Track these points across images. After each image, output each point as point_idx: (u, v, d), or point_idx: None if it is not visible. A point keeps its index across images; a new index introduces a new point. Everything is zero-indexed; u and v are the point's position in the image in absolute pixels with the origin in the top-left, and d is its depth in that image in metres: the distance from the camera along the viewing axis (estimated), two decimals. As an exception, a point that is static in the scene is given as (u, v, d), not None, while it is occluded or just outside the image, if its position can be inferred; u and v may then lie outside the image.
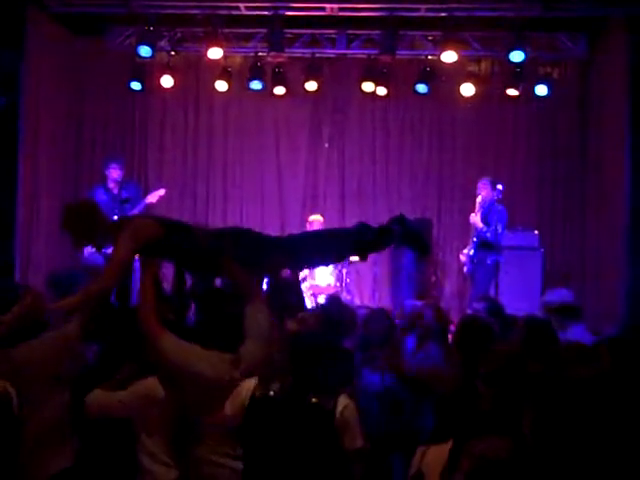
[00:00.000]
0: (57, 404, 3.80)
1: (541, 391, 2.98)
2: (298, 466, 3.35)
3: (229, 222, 10.90)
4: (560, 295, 5.48)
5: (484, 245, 8.78)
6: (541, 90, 10.06)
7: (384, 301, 10.24)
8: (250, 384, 3.53)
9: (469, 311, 6.89)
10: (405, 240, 5.15)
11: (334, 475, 3.41)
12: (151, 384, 3.70)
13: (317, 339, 3.62)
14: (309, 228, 9.79)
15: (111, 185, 9.05)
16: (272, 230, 10.94)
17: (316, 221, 9.79)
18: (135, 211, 8.79)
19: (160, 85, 10.33)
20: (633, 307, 8.45)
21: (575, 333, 5.03)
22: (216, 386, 3.51)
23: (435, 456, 2.93)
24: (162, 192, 9.07)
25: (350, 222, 10.77)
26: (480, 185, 9.06)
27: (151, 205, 9.02)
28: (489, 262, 8.76)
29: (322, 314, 4.59)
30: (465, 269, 9.05)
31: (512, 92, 10.06)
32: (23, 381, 3.32)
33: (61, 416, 3.77)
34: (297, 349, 3.54)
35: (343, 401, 3.50)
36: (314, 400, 3.41)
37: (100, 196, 8.91)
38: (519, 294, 8.73)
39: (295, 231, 10.54)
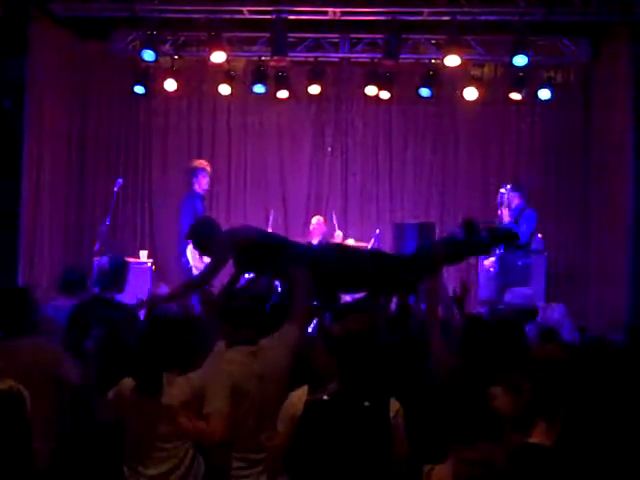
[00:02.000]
0: (50, 404, 3.85)
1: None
2: (355, 469, 3.34)
3: (232, 224, 10.90)
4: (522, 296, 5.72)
5: (515, 248, 8.67)
6: (544, 94, 10.07)
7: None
8: (299, 394, 3.56)
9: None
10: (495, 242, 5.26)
11: (387, 478, 3.41)
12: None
13: (365, 341, 3.56)
14: (313, 232, 9.82)
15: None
16: (274, 231, 10.96)
17: (318, 223, 9.86)
18: None
19: (163, 89, 10.34)
20: (637, 309, 8.44)
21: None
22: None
23: (440, 477, 2.94)
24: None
25: (353, 224, 10.82)
26: (510, 197, 8.97)
27: None
28: (520, 264, 8.76)
29: (367, 316, 4.60)
30: (492, 270, 8.98)
31: (515, 96, 10.07)
32: (30, 379, 3.34)
33: (50, 417, 3.82)
34: (346, 353, 3.49)
35: (395, 405, 3.49)
36: (367, 404, 3.38)
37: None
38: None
39: (298, 234, 10.60)
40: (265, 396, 3.84)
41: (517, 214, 8.87)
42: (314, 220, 10.02)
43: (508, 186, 9.09)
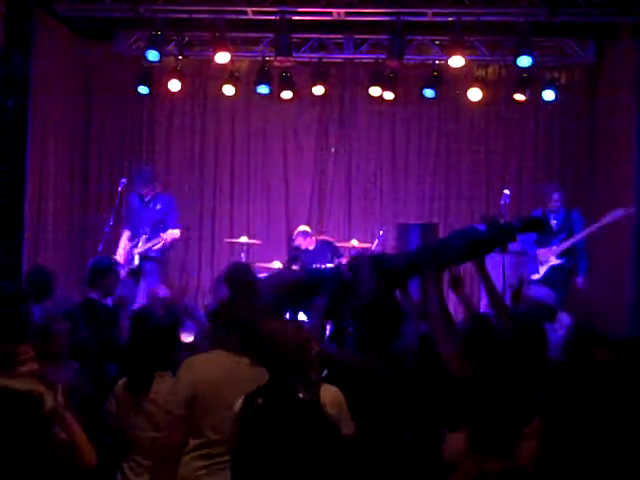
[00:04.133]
0: None
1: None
2: (298, 460, 3.35)
3: (235, 225, 10.94)
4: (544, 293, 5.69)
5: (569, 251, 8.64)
6: (548, 95, 10.04)
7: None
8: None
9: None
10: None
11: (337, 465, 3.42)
12: None
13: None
14: (298, 239, 9.80)
15: (144, 191, 9.10)
16: (277, 233, 10.99)
17: (302, 232, 9.86)
18: (166, 238, 8.82)
19: (167, 89, 10.33)
20: (638, 311, 8.43)
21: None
22: None
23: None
24: (177, 234, 8.97)
25: (357, 225, 10.82)
26: (555, 198, 8.78)
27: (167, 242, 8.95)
28: (567, 265, 8.72)
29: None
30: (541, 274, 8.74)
31: (519, 97, 10.04)
32: None
33: None
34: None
35: (328, 390, 3.57)
36: (301, 395, 3.41)
37: (134, 202, 8.99)
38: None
39: (300, 234, 10.60)
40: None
41: (565, 216, 8.75)
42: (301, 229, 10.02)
43: (552, 187, 8.93)
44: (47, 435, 2.82)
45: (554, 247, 8.66)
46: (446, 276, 4.73)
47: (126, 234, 9.18)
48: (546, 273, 8.60)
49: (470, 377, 3.84)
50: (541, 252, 8.69)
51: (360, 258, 5.47)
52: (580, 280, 8.67)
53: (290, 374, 3.49)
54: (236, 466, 3.23)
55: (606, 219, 8.37)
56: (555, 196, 8.78)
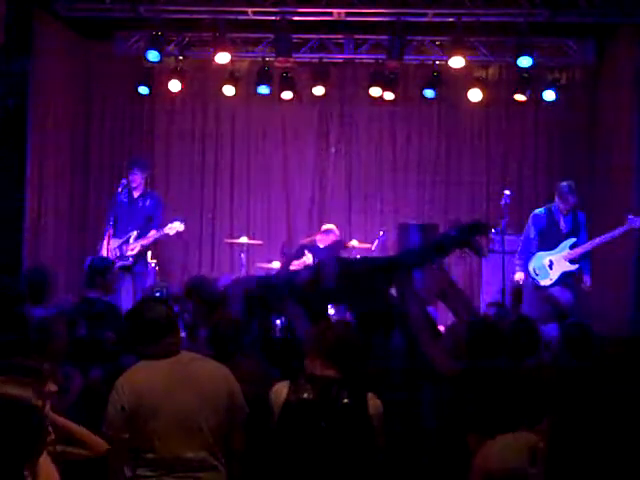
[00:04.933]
0: None
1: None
2: (336, 465, 3.38)
3: (235, 226, 10.93)
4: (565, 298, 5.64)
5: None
6: (549, 96, 10.04)
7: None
8: (280, 390, 3.57)
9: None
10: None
11: (371, 473, 3.45)
12: None
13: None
14: (322, 237, 9.74)
15: (134, 183, 9.00)
16: (278, 233, 10.99)
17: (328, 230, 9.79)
18: (155, 234, 8.80)
19: (168, 89, 10.34)
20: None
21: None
22: None
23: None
24: (182, 228, 8.91)
25: (357, 226, 10.82)
26: (572, 200, 8.20)
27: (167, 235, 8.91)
28: (574, 271, 8.28)
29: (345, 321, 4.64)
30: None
31: (520, 97, 10.05)
32: None
33: None
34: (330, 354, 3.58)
35: (374, 401, 3.56)
36: (346, 401, 3.46)
37: (123, 198, 8.94)
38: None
39: (301, 234, 10.61)
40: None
41: (572, 219, 8.28)
42: (326, 227, 9.92)
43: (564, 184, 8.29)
44: (39, 438, 2.80)
45: (567, 251, 8.16)
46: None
47: (110, 232, 8.95)
48: (558, 279, 8.14)
49: (459, 374, 3.89)
50: (554, 257, 8.19)
51: (325, 262, 5.54)
52: (587, 279, 8.23)
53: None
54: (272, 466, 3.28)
55: (625, 227, 8.08)
56: (572, 199, 8.18)
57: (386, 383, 4.00)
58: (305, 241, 9.90)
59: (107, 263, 6.35)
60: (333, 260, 5.09)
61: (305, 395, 3.46)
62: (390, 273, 4.94)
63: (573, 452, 2.61)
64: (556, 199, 8.30)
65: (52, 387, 3.05)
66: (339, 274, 4.95)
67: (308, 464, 3.39)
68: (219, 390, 3.52)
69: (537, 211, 8.46)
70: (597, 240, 8.15)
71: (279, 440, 3.46)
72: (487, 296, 9.15)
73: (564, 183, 8.31)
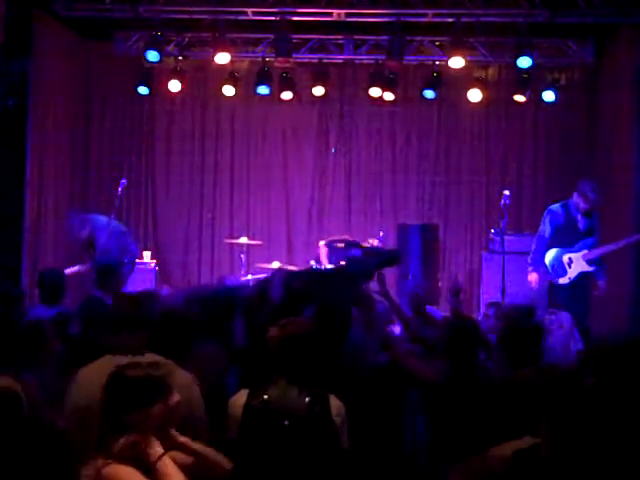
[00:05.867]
0: None
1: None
2: (300, 465, 3.37)
3: (235, 226, 10.94)
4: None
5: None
6: (548, 96, 10.05)
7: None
8: (238, 398, 3.55)
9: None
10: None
11: (335, 474, 3.44)
12: None
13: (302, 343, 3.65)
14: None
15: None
16: (278, 233, 11.00)
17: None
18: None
19: (167, 90, 10.35)
20: (639, 312, 8.42)
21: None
22: None
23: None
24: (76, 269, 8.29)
25: (357, 226, 10.83)
26: (592, 198, 7.70)
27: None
28: (592, 271, 7.90)
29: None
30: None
31: (519, 98, 10.05)
32: None
33: None
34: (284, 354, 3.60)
35: (335, 402, 3.55)
36: (307, 400, 3.47)
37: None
38: (525, 298, 8.66)
39: (301, 234, 10.62)
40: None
41: (590, 217, 7.90)
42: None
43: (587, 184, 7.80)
44: (27, 431, 2.81)
45: (586, 251, 7.79)
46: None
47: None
48: (575, 278, 7.79)
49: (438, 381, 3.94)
50: (573, 256, 7.80)
51: (273, 275, 5.55)
52: (602, 284, 7.85)
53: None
54: (236, 470, 3.23)
55: None
56: (593, 197, 7.71)
57: (348, 383, 3.98)
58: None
59: (115, 264, 6.37)
60: (280, 276, 5.03)
61: (265, 397, 3.48)
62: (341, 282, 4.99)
63: (569, 453, 2.62)
64: (575, 196, 7.82)
65: (175, 397, 2.89)
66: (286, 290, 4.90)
67: (272, 466, 3.39)
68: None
69: (554, 207, 8.01)
70: (619, 243, 7.85)
71: (242, 444, 3.44)
72: (487, 296, 9.15)
73: (587, 181, 7.90)
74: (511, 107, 10.53)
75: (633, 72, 8.98)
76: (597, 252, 7.84)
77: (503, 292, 8.63)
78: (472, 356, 4.21)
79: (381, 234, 9.86)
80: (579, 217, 7.84)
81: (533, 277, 8.06)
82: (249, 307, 4.82)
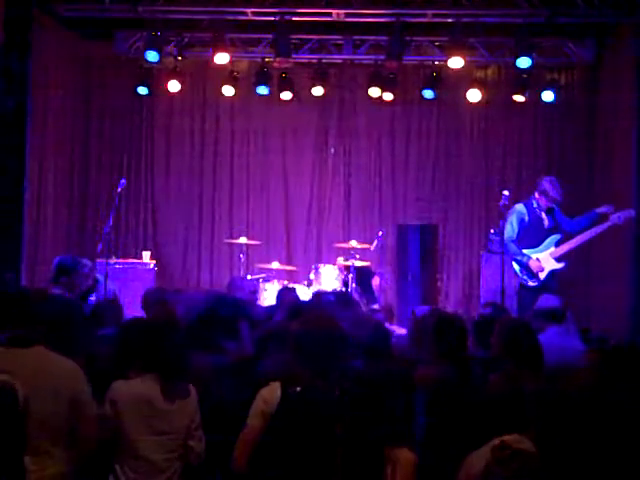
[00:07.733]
0: None
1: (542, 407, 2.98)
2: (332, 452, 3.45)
3: (235, 226, 10.94)
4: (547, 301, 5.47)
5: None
6: (548, 96, 10.06)
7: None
8: (271, 390, 3.62)
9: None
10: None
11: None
12: None
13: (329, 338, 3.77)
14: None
15: None
16: (278, 233, 11.01)
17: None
18: None
19: (167, 90, 10.36)
20: (638, 312, 8.42)
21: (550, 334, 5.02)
22: None
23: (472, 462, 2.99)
24: None
25: (356, 226, 10.84)
26: (554, 193, 7.65)
27: None
28: (562, 269, 7.81)
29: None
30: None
31: (519, 98, 10.08)
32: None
33: None
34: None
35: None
36: (338, 392, 3.55)
37: None
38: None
39: (300, 235, 10.63)
40: None
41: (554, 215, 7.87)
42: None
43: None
44: (23, 426, 2.83)
45: (553, 249, 7.72)
46: None
47: None
48: (546, 278, 7.68)
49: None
50: (541, 256, 7.69)
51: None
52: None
53: None
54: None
55: (608, 223, 7.90)
56: (554, 193, 7.66)
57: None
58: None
59: (74, 263, 6.34)
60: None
61: (298, 389, 3.57)
62: None
63: (559, 456, 2.63)
64: (536, 194, 7.79)
65: None
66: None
67: (305, 453, 3.45)
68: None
69: (518, 207, 7.86)
70: (583, 236, 7.79)
71: (278, 432, 3.51)
72: (487, 296, 9.16)
73: (547, 178, 7.88)
74: (511, 107, 10.54)
75: (633, 72, 8.98)
76: (565, 248, 7.74)
77: (502, 292, 8.63)
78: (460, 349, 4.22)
79: (380, 234, 9.88)
80: (543, 215, 7.77)
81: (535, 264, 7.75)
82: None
